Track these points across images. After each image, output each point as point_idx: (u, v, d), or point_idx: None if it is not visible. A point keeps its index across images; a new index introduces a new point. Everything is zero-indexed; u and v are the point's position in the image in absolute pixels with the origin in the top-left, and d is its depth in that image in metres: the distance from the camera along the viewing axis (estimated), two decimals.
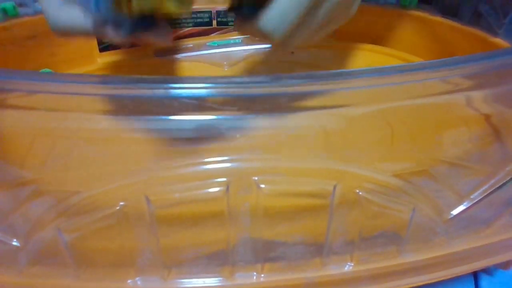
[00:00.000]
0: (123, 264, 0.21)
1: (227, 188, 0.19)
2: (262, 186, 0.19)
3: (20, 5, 0.49)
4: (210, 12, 0.54)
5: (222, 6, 0.53)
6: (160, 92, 0.18)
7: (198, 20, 0.53)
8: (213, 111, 0.19)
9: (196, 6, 0.53)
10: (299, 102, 0.20)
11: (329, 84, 0.19)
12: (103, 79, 0.22)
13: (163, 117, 0.19)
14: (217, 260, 0.21)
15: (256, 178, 0.19)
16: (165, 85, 0.18)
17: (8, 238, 0.20)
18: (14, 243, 0.20)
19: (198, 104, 0.19)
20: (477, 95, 0.21)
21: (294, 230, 0.21)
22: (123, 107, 0.19)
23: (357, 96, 0.20)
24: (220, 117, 0.19)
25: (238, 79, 0.21)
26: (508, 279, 0.31)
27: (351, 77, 0.20)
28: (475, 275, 0.32)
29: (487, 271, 0.31)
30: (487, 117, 0.22)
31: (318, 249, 0.21)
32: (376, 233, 0.22)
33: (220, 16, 0.54)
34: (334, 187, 0.19)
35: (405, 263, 0.22)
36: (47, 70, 0.49)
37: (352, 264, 0.22)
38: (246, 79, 0.21)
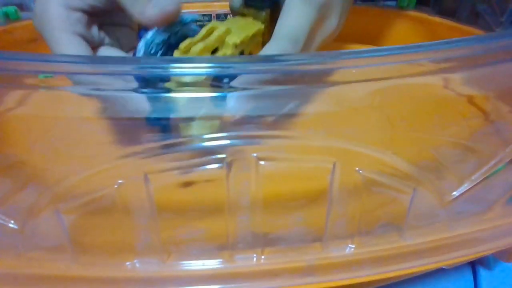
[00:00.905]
0: (121, 247, 0.21)
1: (227, 165, 0.19)
2: (262, 163, 0.19)
3: (21, 8, 0.50)
4: (210, 15, 0.54)
5: (222, 9, 0.54)
6: (157, 71, 0.18)
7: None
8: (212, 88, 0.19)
9: (196, 9, 0.54)
10: (302, 79, 0.19)
11: (328, 63, 0.19)
12: (94, 59, 0.22)
13: (160, 94, 0.19)
14: (216, 243, 0.21)
15: (255, 155, 0.19)
16: (164, 65, 0.18)
17: (5, 220, 0.20)
18: (11, 225, 0.20)
19: (196, 82, 0.19)
20: (454, 77, 0.21)
21: (295, 213, 0.21)
22: (123, 83, 0.19)
23: (356, 75, 0.20)
24: (220, 94, 0.19)
25: (236, 58, 0.22)
26: (507, 273, 0.31)
27: (351, 56, 0.20)
28: (474, 270, 0.31)
29: (487, 265, 0.31)
30: (469, 99, 0.22)
31: (319, 232, 0.21)
32: (377, 215, 0.21)
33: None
34: (334, 165, 0.19)
35: (406, 245, 0.22)
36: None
37: (353, 247, 0.21)
38: (245, 58, 0.21)
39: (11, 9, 0.49)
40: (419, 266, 0.22)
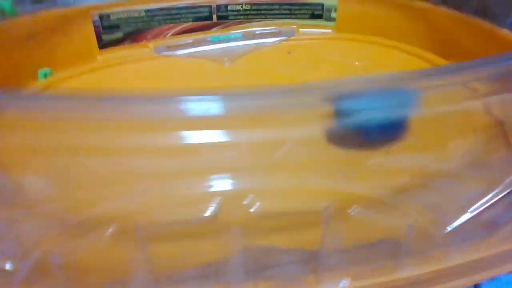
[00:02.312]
0: (115, 285, 0.21)
1: (217, 211, 0.18)
2: (252, 210, 0.18)
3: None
4: (210, 6, 0.53)
5: (222, 0, 0.53)
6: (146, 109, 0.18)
7: (198, 14, 0.53)
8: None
9: (195, 1, 0.52)
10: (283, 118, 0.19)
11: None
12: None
13: (149, 135, 0.19)
14: (210, 278, 0.21)
15: (245, 202, 0.18)
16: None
17: (1, 262, 0.20)
18: (7, 267, 0.20)
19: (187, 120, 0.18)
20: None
21: (288, 245, 0.21)
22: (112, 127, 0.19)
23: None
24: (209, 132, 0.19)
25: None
26: (508, 277, 0.31)
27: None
28: None
29: None
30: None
31: (313, 266, 0.21)
32: (372, 248, 0.21)
33: (220, 10, 0.53)
34: (326, 208, 0.19)
35: (403, 278, 0.22)
36: (47, 69, 0.49)
37: (348, 281, 0.21)
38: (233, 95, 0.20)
39: (7, 4, 0.48)
40: None
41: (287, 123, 0.19)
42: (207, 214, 0.19)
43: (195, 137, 0.19)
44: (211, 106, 0.18)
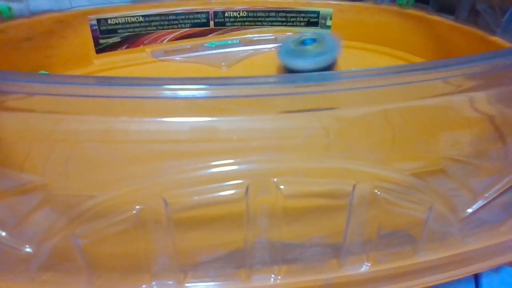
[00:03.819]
0: (138, 269, 0.20)
1: (246, 190, 0.18)
2: (282, 187, 0.19)
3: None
4: (208, 13, 0.53)
5: (219, 7, 0.53)
6: (168, 93, 0.18)
7: (195, 21, 0.53)
8: (227, 112, 0.19)
9: (193, 7, 0.53)
10: (312, 102, 0.19)
11: (335, 84, 0.19)
12: (114, 81, 0.21)
13: (174, 118, 0.19)
14: (233, 262, 0.21)
15: (275, 180, 0.19)
16: (173, 86, 0.18)
17: (20, 245, 0.20)
18: (27, 250, 0.20)
19: (210, 105, 0.19)
20: (479, 96, 0.21)
21: (312, 231, 0.21)
22: (139, 109, 0.19)
23: (366, 96, 0.20)
24: (232, 118, 0.19)
25: (251, 79, 0.21)
26: (510, 275, 0.32)
27: (360, 77, 0.20)
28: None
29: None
30: (490, 118, 0.22)
31: (335, 250, 0.21)
32: (393, 232, 0.22)
33: (218, 17, 0.54)
34: (354, 187, 0.19)
35: (421, 262, 0.22)
36: (44, 72, 0.48)
37: (369, 265, 0.21)
38: (256, 79, 0.20)
39: (4, 6, 0.48)
40: (432, 281, 0.23)
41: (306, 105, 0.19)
42: (234, 196, 0.19)
43: (217, 120, 0.19)
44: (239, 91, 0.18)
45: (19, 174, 0.20)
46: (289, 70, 0.44)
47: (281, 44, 0.46)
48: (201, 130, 0.19)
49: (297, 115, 0.19)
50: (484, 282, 0.31)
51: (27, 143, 0.20)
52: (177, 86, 0.18)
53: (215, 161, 0.19)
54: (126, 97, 0.18)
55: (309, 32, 0.42)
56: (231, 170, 0.19)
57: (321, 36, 0.45)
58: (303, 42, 0.43)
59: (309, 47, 0.43)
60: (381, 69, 0.19)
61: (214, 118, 0.19)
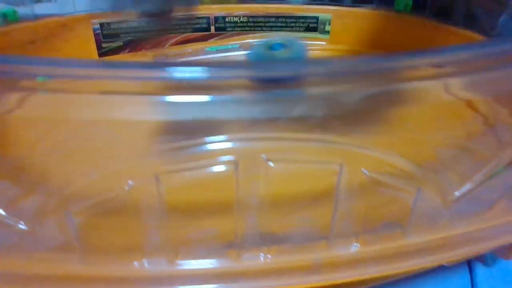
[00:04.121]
0: (129, 247, 0.21)
1: (236, 166, 0.19)
2: (271, 164, 0.19)
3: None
4: (209, 18, 0.54)
5: (220, 12, 0.54)
6: (164, 74, 0.18)
7: (197, 25, 0.54)
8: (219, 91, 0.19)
9: (194, 12, 0.54)
10: (303, 84, 0.20)
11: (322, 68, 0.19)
12: (106, 64, 0.22)
13: (166, 97, 0.19)
14: (224, 241, 0.21)
15: (264, 156, 0.19)
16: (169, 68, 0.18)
17: (15, 221, 0.20)
18: (21, 227, 0.20)
19: (200, 84, 0.19)
20: (456, 82, 0.21)
21: (301, 213, 0.21)
22: (128, 88, 0.19)
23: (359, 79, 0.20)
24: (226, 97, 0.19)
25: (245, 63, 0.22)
26: (504, 271, 0.32)
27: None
28: (470, 268, 0.32)
29: (485, 263, 0.32)
30: (476, 104, 0.23)
31: (325, 231, 0.21)
32: (382, 214, 0.22)
33: (218, 22, 0.55)
34: (341, 166, 0.20)
35: (410, 244, 0.22)
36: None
37: (358, 245, 0.22)
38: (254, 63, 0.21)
39: (10, 10, 0.49)
40: (421, 264, 0.23)
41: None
42: (225, 172, 0.19)
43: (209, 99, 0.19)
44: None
45: (13, 153, 0.20)
46: None
47: (249, 51, 0.46)
48: (192, 108, 0.19)
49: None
50: (479, 275, 0.31)
51: (22, 123, 0.20)
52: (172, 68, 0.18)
53: (204, 138, 0.19)
54: (124, 78, 0.19)
55: (277, 37, 0.42)
56: (222, 147, 0.19)
57: (289, 41, 0.44)
58: (271, 47, 0.43)
59: (278, 52, 0.43)
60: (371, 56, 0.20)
61: (205, 96, 0.19)
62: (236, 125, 0.19)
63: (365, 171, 0.20)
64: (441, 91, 0.21)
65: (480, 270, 0.32)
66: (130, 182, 0.19)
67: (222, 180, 0.20)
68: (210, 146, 0.19)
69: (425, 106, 0.22)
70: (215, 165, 0.19)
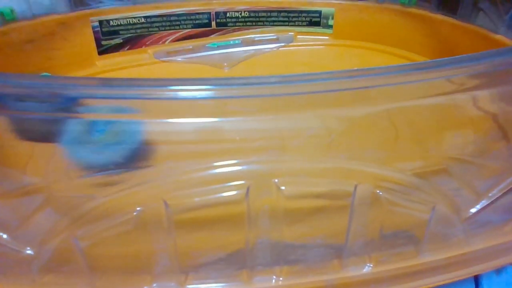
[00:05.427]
0: (139, 271, 0.20)
1: (247, 191, 0.18)
2: (283, 188, 0.18)
3: None
4: (209, 13, 0.53)
5: (221, 7, 0.53)
6: (171, 94, 0.18)
7: (197, 21, 0.53)
8: (228, 113, 0.18)
9: (195, 8, 0.53)
10: (313, 102, 0.19)
11: (340, 83, 0.19)
12: (112, 82, 0.21)
13: (175, 119, 0.19)
14: (235, 264, 0.21)
15: (276, 180, 0.18)
16: (176, 87, 0.18)
17: (21, 247, 0.20)
18: (28, 252, 0.20)
19: (211, 106, 0.19)
20: (483, 94, 0.21)
21: (314, 232, 0.21)
22: (137, 109, 0.19)
23: (370, 96, 0.19)
24: (233, 119, 0.19)
25: (253, 79, 0.21)
26: (510, 275, 0.31)
27: (365, 76, 0.19)
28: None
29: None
30: (494, 117, 0.22)
31: (337, 251, 0.21)
32: (395, 233, 0.21)
33: (219, 17, 0.53)
34: (355, 188, 0.19)
35: (424, 263, 0.22)
36: (46, 74, 0.48)
37: (371, 265, 0.21)
38: (258, 79, 0.20)
39: (7, 9, 0.48)
40: (436, 282, 0.22)
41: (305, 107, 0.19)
42: (235, 197, 0.19)
43: (219, 121, 0.19)
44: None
45: (20, 175, 0.20)
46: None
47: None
48: (202, 131, 0.19)
49: (299, 115, 0.19)
50: (485, 283, 0.31)
51: (30, 145, 0.20)
52: (179, 87, 0.18)
53: (216, 162, 0.19)
54: (129, 98, 0.18)
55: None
56: (232, 171, 0.19)
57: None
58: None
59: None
60: (383, 68, 0.19)
61: (215, 119, 0.19)
62: (248, 148, 0.19)
63: (379, 192, 0.19)
64: (469, 104, 0.21)
65: (486, 277, 0.31)
66: (138, 208, 0.19)
67: (233, 203, 0.19)
68: (221, 170, 0.19)
69: (441, 122, 0.22)
70: (226, 190, 0.18)
